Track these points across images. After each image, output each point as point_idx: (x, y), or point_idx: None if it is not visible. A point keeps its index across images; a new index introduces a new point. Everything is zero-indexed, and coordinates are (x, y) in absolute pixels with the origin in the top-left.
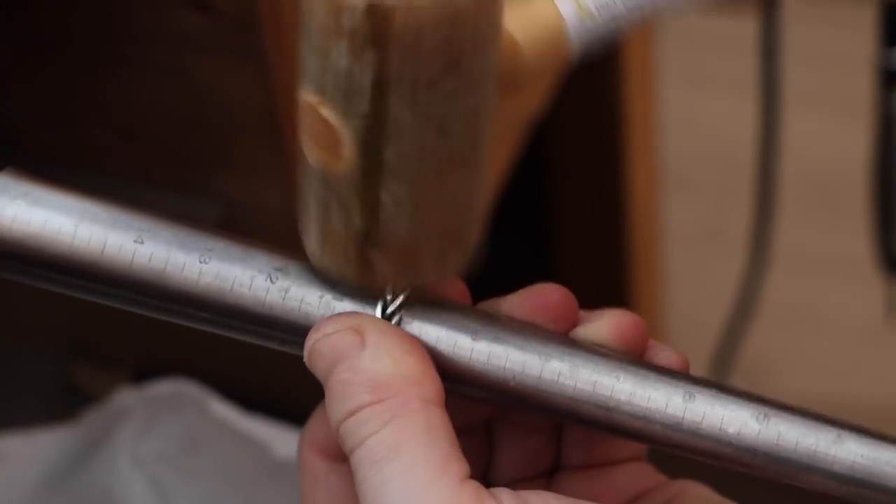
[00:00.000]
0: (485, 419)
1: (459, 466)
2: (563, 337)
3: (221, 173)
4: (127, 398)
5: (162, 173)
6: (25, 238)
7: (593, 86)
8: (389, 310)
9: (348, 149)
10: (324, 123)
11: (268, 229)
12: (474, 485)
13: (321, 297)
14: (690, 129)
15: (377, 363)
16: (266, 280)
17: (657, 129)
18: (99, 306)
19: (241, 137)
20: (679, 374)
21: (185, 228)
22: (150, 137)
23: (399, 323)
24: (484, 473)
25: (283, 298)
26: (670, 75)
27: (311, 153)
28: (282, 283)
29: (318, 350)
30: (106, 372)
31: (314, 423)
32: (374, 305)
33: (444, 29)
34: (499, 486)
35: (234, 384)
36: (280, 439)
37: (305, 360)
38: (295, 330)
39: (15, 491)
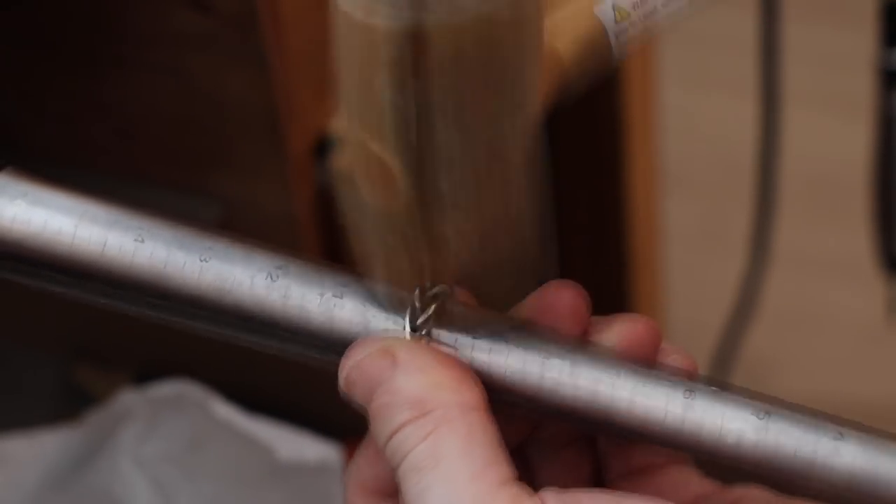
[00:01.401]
0: (517, 442)
1: (499, 470)
2: (564, 335)
3: (220, 173)
4: (129, 399)
5: (160, 173)
6: (25, 238)
7: (593, 86)
8: (420, 320)
9: (403, 183)
10: (376, 160)
11: (267, 229)
12: (513, 489)
13: (321, 295)
14: (690, 130)
15: (412, 380)
16: (266, 279)
17: (657, 129)
18: (102, 307)
19: (239, 137)
20: (680, 373)
21: (185, 228)
22: (149, 137)
23: (429, 332)
24: None
25: (284, 297)
26: (670, 75)
27: (368, 191)
28: (282, 281)
29: (353, 380)
30: (108, 373)
31: (359, 463)
32: (401, 315)
33: (484, 48)
34: None
35: (237, 385)
36: (283, 440)
37: (342, 391)
38: (296, 329)
39: (17, 492)
